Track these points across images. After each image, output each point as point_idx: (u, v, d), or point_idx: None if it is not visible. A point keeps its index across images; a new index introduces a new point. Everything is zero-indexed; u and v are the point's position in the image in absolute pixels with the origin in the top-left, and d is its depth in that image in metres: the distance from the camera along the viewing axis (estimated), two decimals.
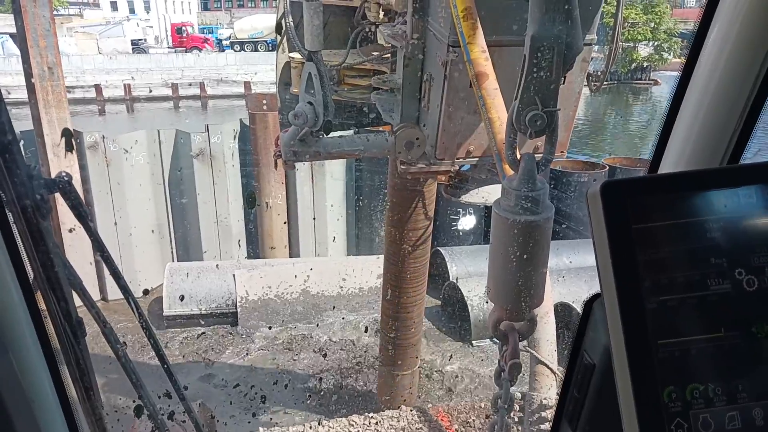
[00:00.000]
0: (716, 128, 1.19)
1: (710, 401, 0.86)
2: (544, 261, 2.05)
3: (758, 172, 0.89)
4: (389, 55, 5.32)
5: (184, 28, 62.31)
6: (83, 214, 1.31)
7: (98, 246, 1.48)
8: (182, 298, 10.76)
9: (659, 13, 45.20)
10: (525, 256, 1.96)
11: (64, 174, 1.23)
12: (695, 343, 0.86)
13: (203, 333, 10.87)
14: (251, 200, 12.37)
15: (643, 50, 46.40)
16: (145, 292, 11.32)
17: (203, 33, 64.11)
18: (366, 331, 10.38)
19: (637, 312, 0.86)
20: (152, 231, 12.35)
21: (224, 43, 58.52)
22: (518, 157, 2.02)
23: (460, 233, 12.81)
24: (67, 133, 10.41)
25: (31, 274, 1.12)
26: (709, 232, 0.87)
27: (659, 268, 0.87)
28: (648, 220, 0.87)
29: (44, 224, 1.14)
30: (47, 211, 1.17)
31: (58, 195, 1.29)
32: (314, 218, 12.98)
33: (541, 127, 1.90)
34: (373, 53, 5.61)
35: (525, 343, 4.46)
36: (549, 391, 4.14)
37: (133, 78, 41.43)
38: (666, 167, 1.27)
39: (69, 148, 10.54)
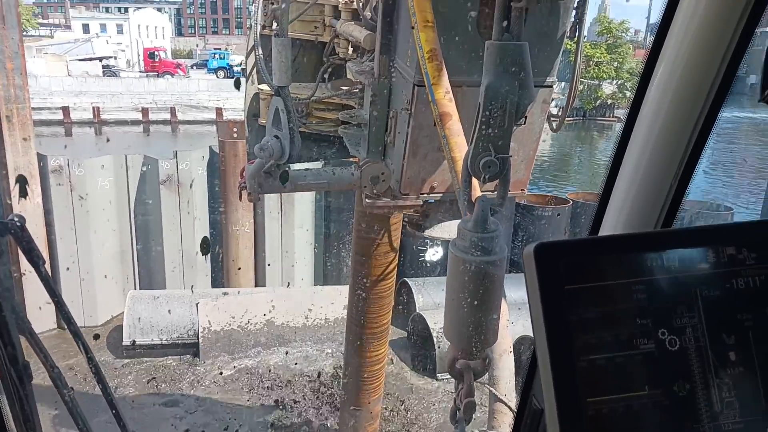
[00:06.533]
0: (650, 194, 1.27)
1: None
2: (497, 302, 2.10)
3: (678, 237, 0.96)
4: (357, 90, 5.41)
5: (156, 52, 61.99)
6: (35, 258, 1.31)
7: (50, 291, 1.47)
8: (134, 343, 10.52)
9: (622, 54, 47.00)
10: (478, 297, 2.00)
11: (16, 218, 1.23)
12: (622, 401, 0.91)
13: (163, 364, 10.61)
14: (205, 246, 12.27)
15: (608, 88, 47.96)
16: (96, 336, 10.90)
17: (214, 57, 61.93)
18: (319, 376, 10.21)
19: (567, 370, 0.90)
20: (115, 258, 12.10)
21: (235, 69, 55.84)
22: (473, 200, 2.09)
23: (428, 264, 12.87)
24: (21, 179, 10.22)
25: None
26: (635, 293, 0.92)
27: (589, 327, 0.91)
28: (579, 281, 0.92)
29: None
30: None
31: None
32: (282, 247, 12.90)
33: (494, 172, 1.97)
34: (342, 88, 5.69)
35: (486, 377, 4.49)
36: (507, 429, 4.16)
37: (99, 101, 40.94)
38: (605, 229, 1.35)
39: (23, 194, 10.35)
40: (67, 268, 11.40)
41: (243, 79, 6.23)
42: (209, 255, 12.59)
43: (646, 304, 0.92)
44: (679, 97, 1.18)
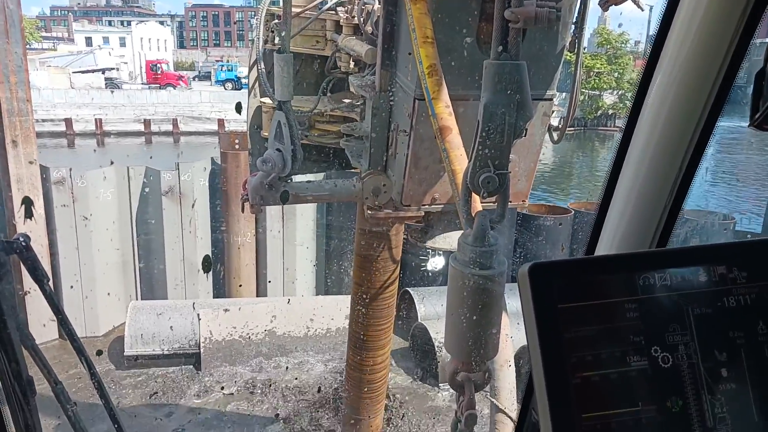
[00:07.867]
0: (645, 212, 1.29)
1: None
2: (497, 316, 2.11)
3: (669, 256, 0.98)
4: (359, 103, 5.45)
5: (158, 65, 62.26)
6: (39, 276, 1.34)
7: (54, 308, 1.49)
8: (136, 358, 10.54)
9: (622, 64, 47.22)
10: (477, 311, 2.02)
11: (21, 238, 1.25)
12: (615, 416, 0.92)
13: (164, 374, 10.60)
14: (206, 264, 12.33)
15: (609, 98, 48.12)
16: (99, 352, 10.94)
17: (222, 69, 61.84)
18: (319, 391, 10.16)
19: (562, 387, 0.92)
20: (117, 268, 12.12)
21: (244, 81, 56.12)
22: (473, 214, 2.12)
23: (430, 273, 12.86)
24: (27, 201, 10.30)
25: None
26: (628, 311, 0.95)
27: (583, 345, 0.93)
28: (573, 300, 0.94)
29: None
30: (4, 273, 1.19)
31: None
32: (283, 264, 12.94)
33: (493, 187, 1.99)
34: (344, 101, 5.74)
35: (488, 388, 4.49)
36: None
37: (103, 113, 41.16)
38: (602, 248, 1.37)
39: (28, 215, 10.42)
40: (71, 287, 11.44)
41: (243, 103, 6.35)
42: (211, 272, 12.63)
43: (638, 322, 0.94)
44: (671, 121, 1.21)
